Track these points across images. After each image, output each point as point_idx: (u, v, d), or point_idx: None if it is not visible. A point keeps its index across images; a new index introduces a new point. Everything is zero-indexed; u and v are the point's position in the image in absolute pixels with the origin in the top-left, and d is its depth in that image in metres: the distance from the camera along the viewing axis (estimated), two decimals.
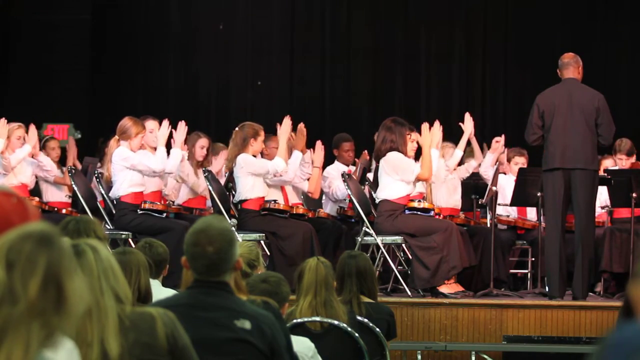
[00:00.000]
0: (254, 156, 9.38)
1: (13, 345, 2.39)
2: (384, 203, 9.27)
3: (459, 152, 10.01)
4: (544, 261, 9.52)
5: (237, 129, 9.40)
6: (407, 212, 9.27)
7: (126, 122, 9.27)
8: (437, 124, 9.46)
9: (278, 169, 9.29)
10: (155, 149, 9.46)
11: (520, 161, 10.59)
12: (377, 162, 9.40)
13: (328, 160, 10.78)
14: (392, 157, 9.21)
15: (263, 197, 9.36)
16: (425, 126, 9.34)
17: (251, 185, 9.30)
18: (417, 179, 9.26)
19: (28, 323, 2.41)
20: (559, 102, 8.98)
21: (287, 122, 9.43)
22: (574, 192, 8.93)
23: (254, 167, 9.27)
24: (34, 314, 2.42)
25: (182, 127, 9.41)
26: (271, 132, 9.81)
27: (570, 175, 8.92)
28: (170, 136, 9.39)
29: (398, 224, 9.19)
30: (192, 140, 10.14)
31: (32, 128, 9.97)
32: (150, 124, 9.55)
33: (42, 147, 10.53)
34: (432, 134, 9.35)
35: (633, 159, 10.33)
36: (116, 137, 9.29)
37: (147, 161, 9.17)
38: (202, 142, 10.18)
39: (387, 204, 9.25)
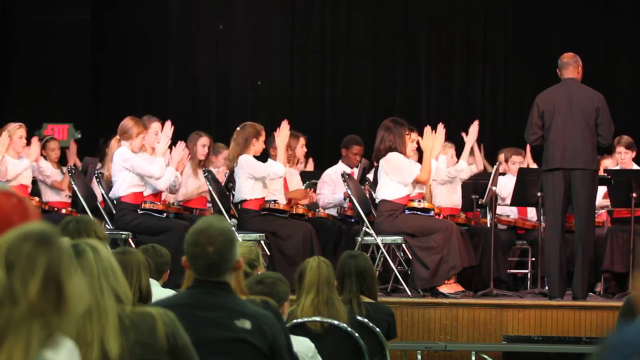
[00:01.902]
0: (256, 156, 9.38)
1: (14, 346, 2.39)
2: (383, 203, 9.27)
3: (463, 163, 9.91)
4: (544, 261, 9.52)
5: (238, 128, 9.40)
6: (407, 212, 9.28)
7: (127, 122, 9.27)
8: (440, 129, 9.39)
9: (278, 173, 9.30)
10: (153, 149, 9.52)
11: (518, 160, 10.59)
12: (377, 162, 9.41)
13: (332, 160, 10.80)
14: (392, 157, 9.21)
15: (263, 198, 9.37)
16: (427, 130, 9.33)
17: (251, 186, 9.30)
18: (415, 181, 9.26)
19: (28, 324, 2.40)
20: (559, 102, 8.98)
21: (285, 127, 9.43)
22: (573, 192, 8.93)
23: (254, 169, 9.26)
24: (35, 315, 2.42)
25: (181, 147, 9.49)
26: (272, 132, 9.80)
27: (570, 175, 8.92)
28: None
29: (398, 223, 9.20)
30: (192, 139, 10.14)
31: (35, 141, 9.95)
32: (155, 125, 9.55)
33: (42, 148, 10.53)
34: (434, 139, 9.32)
35: (634, 154, 10.29)
36: (117, 137, 9.29)
37: (148, 166, 9.18)
38: (204, 141, 10.17)
39: (386, 204, 9.25)
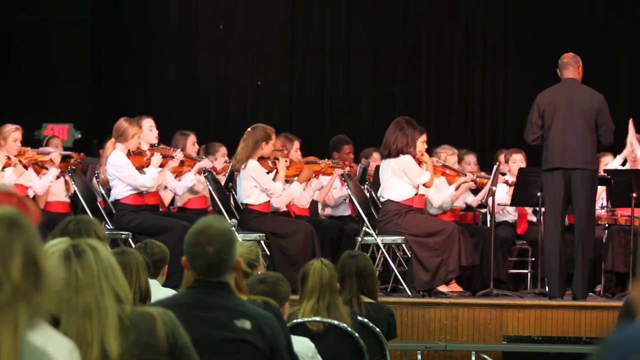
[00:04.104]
0: (265, 158, 9.37)
1: (2, 329, 2.41)
2: (389, 203, 9.29)
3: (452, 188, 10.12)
4: (544, 261, 9.53)
5: (249, 129, 9.37)
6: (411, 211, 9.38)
7: (122, 124, 9.25)
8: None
9: (276, 193, 9.31)
10: (152, 145, 9.53)
11: (518, 158, 10.58)
12: (383, 157, 9.42)
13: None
14: (406, 160, 9.24)
15: (268, 202, 9.39)
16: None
17: (257, 195, 9.30)
18: (423, 185, 9.43)
19: (14, 306, 2.44)
20: (559, 102, 8.99)
21: (283, 163, 9.46)
22: (573, 192, 8.94)
23: (260, 180, 9.24)
24: (19, 296, 2.47)
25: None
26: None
27: (570, 175, 8.93)
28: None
29: (402, 223, 9.22)
30: (181, 140, 10.14)
31: (55, 154, 9.81)
32: (147, 122, 9.57)
33: (45, 146, 10.54)
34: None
35: None
36: (112, 140, 9.27)
37: (139, 177, 9.18)
38: (193, 139, 10.22)
39: (392, 204, 9.28)
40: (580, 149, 8.92)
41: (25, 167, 9.56)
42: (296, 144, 10.35)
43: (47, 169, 9.70)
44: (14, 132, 9.53)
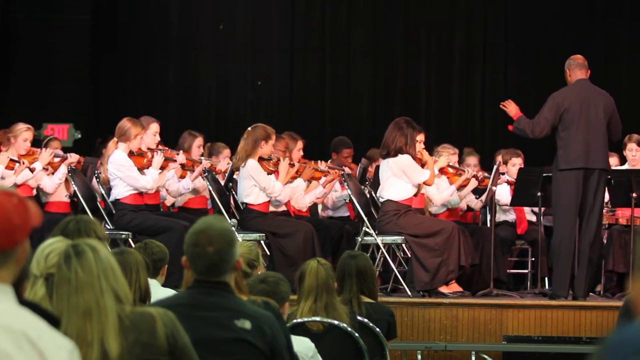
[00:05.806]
0: (263, 158, 9.36)
1: None
2: (389, 203, 9.29)
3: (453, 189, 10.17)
4: (544, 261, 9.54)
5: (249, 129, 9.38)
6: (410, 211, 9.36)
7: (125, 124, 9.24)
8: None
9: (274, 193, 9.32)
10: (151, 149, 9.52)
11: (518, 162, 10.59)
12: (382, 157, 9.43)
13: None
14: (404, 159, 9.24)
15: (268, 202, 9.39)
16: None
17: (256, 194, 9.31)
18: (424, 183, 9.41)
19: None
20: (580, 102, 9.04)
21: (285, 163, 9.48)
22: (590, 192, 8.95)
23: (259, 179, 9.24)
24: None
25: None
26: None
27: (590, 175, 8.94)
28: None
29: (402, 223, 9.22)
30: (188, 140, 10.13)
31: (46, 151, 9.76)
32: (154, 126, 9.56)
33: (44, 147, 10.51)
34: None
35: None
36: (115, 139, 9.27)
37: (140, 178, 9.18)
38: (199, 141, 10.20)
39: (392, 204, 9.28)
40: (601, 149, 9.00)
41: (31, 170, 9.57)
42: (299, 144, 10.36)
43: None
44: (25, 132, 9.60)
